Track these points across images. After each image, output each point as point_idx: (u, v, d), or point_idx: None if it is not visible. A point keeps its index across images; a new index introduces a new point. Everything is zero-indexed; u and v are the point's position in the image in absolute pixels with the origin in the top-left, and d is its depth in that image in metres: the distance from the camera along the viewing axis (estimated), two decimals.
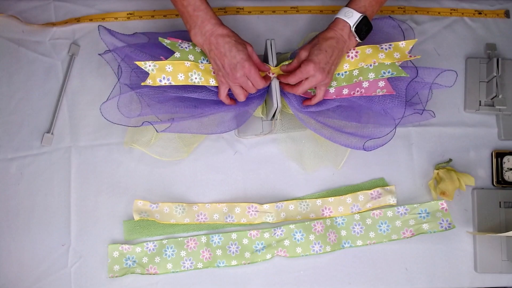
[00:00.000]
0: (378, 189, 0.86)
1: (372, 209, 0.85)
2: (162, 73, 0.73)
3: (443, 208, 0.84)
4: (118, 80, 0.77)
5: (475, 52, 0.94)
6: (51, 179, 0.84)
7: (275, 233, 0.83)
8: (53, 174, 0.84)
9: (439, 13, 0.96)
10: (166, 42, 0.75)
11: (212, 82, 0.76)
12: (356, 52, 0.77)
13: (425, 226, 0.83)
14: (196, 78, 0.74)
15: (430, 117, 0.83)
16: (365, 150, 0.77)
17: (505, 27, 0.96)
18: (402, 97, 0.77)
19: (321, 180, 0.87)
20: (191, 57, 0.74)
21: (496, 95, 0.88)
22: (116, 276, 0.80)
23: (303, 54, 0.74)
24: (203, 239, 0.82)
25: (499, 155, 0.88)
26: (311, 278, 0.83)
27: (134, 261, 0.81)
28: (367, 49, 0.77)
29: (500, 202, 0.86)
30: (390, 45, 0.77)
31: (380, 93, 0.77)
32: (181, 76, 0.74)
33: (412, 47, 0.78)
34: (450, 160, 0.88)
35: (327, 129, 0.81)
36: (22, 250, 0.82)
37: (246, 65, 0.70)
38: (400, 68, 0.76)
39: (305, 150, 0.87)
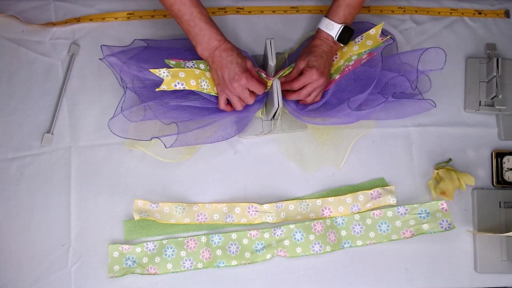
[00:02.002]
0: (378, 189, 0.86)
1: (372, 209, 0.85)
2: (176, 78, 0.76)
3: (443, 208, 0.84)
4: (125, 92, 0.79)
5: (475, 52, 0.94)
6: (51, 179, 0.84)
7: (275, 233, 0.83)
8: (53, 174, 0.84)
9: (439, 13, 0.96)
10: (172, 63, 0.78)
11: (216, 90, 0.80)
12: (336, 55, 0.84)
13: (425, 227, 0.83)
14: (204, 85, 0.78)
15: (431, 107, 0.83)
16: (354, 116, 0.81)
17: (505, 27, 0.96)
18: (379, 59, 0.81)
19: (321, 180, 0.87)
20: (197, 71, 0.78)
21: (496, 95, 0.88)
22: (116, 276, 0.80)
23: (302, 64, 0.79)
24: (203, 239, 0.82)
25: (499, 155, 0.88)
26: (311, 278, 0.83)
27: (134, 261, 0.81)
28: (344, 48, 0.83)
29: (500, 202, 0.86)
30: (362, 36, 0.83)
31: (364, 61, 0.81)
32: (193, 82, 0.77)
33: (381, 31, 0.82)
34: (450, 160, 0.88)
35: (327, 119, 0.83)
36: (22, 250, 0.82)
37: (243, 77, 0.74)
38: (378, 40, 0.82)
39: (305, 150, 0.87)
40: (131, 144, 0.84)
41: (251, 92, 0.77)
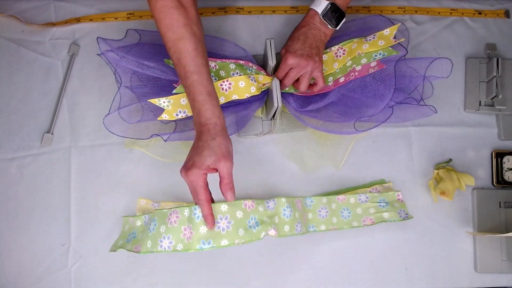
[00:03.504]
0: (376, 186, 0.86)
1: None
2: (177, 107, 0.75)
3: (399, 199, 0.84)
4: (119, 89, 0.79)
5: (475, 52, 0.94)
6: (51, 179, 0.84)
7: (268, 206, 0.74)
8: (53, 174, 0.84)
9: (439, 13, 0.96)
10: (172, 63, 0.76)
11: (222, 100, 0.78)
12: (344, 50, 0.81)
13: (386, 215, 0.83)
14: None
15: (432, 113, 0.83)
16: (356, 131, 0.81)
17: (505, 27, 0.96)
18: (391, 75, 0.80)
19: (321, 180, 0.87)
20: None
21: (496, 95, 0.88)
22: (112, 251, 0.74)
23: (282, 51, 0.79)
24: (186, 212, 0.68)
25: (499, 155, 0.88)
26: (311, 278, 0.83)
27: (134, 237, 0.74)
28: (353, 45, 0.81)
29: (500, 202, 0.86)
30: (375, 35, 0.81)
31: (372, 71, 0.80)
32: None
33: (395, 32, 0.81)
34: (450, 160, 0.88)
35: (328, 124, 0.83)
36: (22, 250, 0.82)
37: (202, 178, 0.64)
38: (391, 48, 0.80)
39: (305, 150, 0.87)
40: (130, 143, 0.84)
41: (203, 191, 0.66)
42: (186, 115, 0.75)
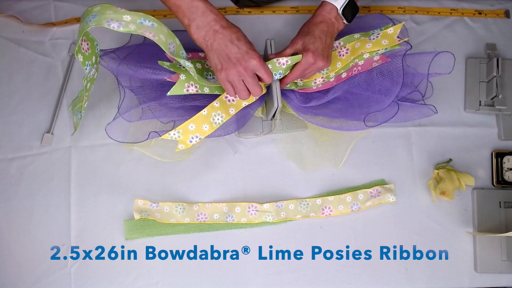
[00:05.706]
0: (377, 187, 0.86)
1: (372, 207, 0.85)
2: (188, 134, 0.74)
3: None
4: (120, 92, 0.78)
5: (475, 52, 0.94)
6: (51, 179, 0.84)
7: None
8: (53, 174, 0.84)
9: (439, 13, 0.96)
10: (166, 64, 0.75)
11: (232, 111, 0.77)
12: (347, 50, 0.79)
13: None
14: (218, 119, 0.76)
15: (432, 113, 0.83)
16: (366, 127, 0.80)
17: (505, 27, 0.96)
18: (398, 69, 0.79)
19: (321, 180, 0.87)
20: (195, 76, 0.74)
21: (496, 95, 0.88)
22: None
23: (299, 44, 0.74)
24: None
25: (499, 155, 0.88)
26: (311, 278, 0.83)
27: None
28: (356, 44, 0.79)
29: (500, 202, 0.86)
30: (378, 34, 0.79)
31: (376, 65, 0.79)
32: (205, 127, 0.75)
33: (399, 31, 0.79)
34: (450, 160, 0.88)
35: (331, 120, 0.82)
36: (22, 250, 0.82)
37: (256, 56, 0.67)
38: (395, 41, 0.78)
39: (305, 150, 0.87)
40: (130, 144, 0.84)
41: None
42: (200, 138, 0.75)
